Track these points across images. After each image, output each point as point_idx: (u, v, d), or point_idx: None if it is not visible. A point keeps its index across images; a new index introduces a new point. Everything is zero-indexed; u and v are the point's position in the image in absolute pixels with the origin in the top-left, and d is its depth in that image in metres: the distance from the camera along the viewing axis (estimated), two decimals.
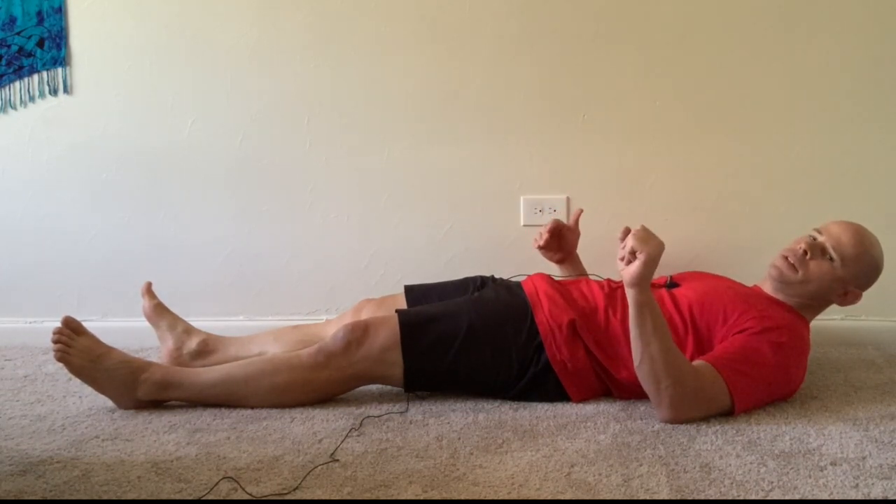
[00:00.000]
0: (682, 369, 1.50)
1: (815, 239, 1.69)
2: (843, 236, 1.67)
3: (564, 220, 2.08)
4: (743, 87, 2.11)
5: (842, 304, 1.70)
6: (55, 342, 1.62)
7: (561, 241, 1.97)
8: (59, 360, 1.62)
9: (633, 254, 1.47)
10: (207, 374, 1.67)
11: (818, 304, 1.71)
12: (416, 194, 2.20)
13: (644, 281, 1.47)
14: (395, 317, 1.67)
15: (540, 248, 1.96)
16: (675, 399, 1.49)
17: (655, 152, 2.15)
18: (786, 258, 1.69)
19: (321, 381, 1.64)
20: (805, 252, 1.67)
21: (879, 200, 2.12)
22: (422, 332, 1.65)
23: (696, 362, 1.54)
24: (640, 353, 1.50)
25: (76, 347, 1.63)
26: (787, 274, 1.69)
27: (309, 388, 1.64)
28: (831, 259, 1.66)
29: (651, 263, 1.47)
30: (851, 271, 1.66)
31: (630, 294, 1.49)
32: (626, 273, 1.48)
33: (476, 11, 2.13)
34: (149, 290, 1.95)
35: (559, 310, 1.67)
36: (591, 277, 1.89)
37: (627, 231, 1.51)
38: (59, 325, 1.65)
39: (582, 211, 1.99)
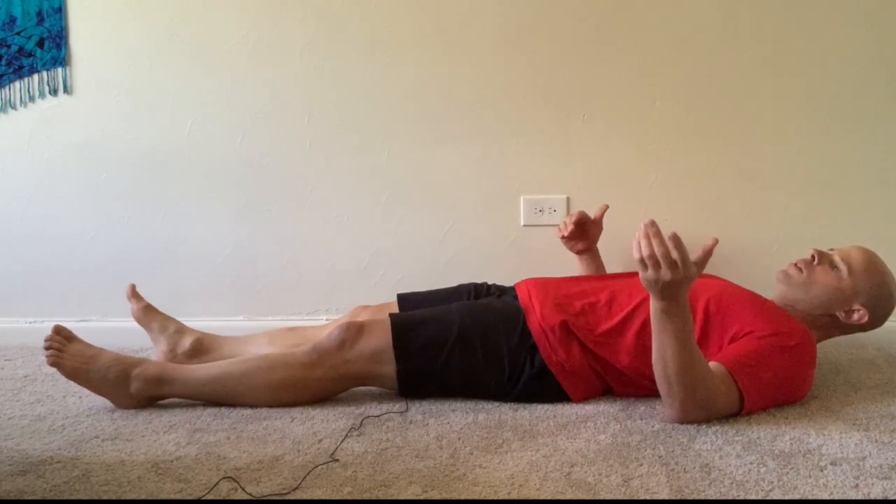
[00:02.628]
0: (697, 378, 1.47)
1: (824, 251, 1.72)
2: (853, 252, 1.70)
3: (564, 220, 2.09)
4: (743, 88, 2.11)
5: (847, 320, 1.68)
6: (47, 348, 1.63)
7: (584, 233, 1.99)
8: (52, 364, 1.63)
9: (672, 266, 1.37)
10: (202, 370, 1.67)
11: (824, 319, 1.70)
12: (416, 194, 2.21)
13: (670, 296, 1.41)
14: (389, 319, 1.68)
15: (563, 237, 1.98)
16: (686, 405, 1.49)
17: (655, 152, 2.15)
18: (794, 264, 1.73)
19: (315, 380, 1.65)
20: (813, 258, 1.71)
21: (879, 200, 2.12)
22: (414, 333, 1.66)
23: (710, 364, 1.53)
24: (655, 354, 1.48)
25: (68, 352, 1.64)
26: (792, 275, 1.71)
27: (303, 387, 1.65)
28: (838, 269, 1.68)
29: (686, 286, 1.40)
30: (857, 285, 1.66)
31: (653, 300, 1.44)
32: (657, 287, 1.40)
33: (476, 11, 2.13)
34: (134, 293, 1.94)
35: (551, 312, 1.67)
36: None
37: (671, 238, 1.40)
38: (49, 334, 1.65)
39: (607, 207, 2.00)
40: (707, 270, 1.89)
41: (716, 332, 1.63)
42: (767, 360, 1.55)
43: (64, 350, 1.64)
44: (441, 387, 1.68)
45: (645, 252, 1.39)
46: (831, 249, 1.73)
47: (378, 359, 1.64)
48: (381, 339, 1.64)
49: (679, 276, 1.38)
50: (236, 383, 1.64)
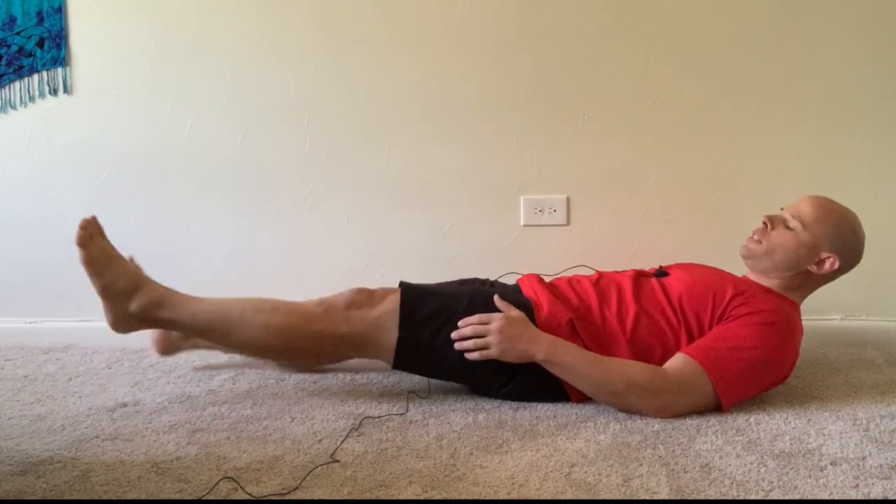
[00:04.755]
0: (628, 371, 1.55)
1: (774, 214, 1.73)
2: (802, 204, 1.70)
3: (564, 221, 2.12)
4: (743, 87, 2.11)
5: (819, 271, 1.67)
6: (83, 227, 1.64)
7: None
8: (80, 243, 1.63)
9: (486, 335, 1.59)
10: (205, 301, 1.67)
11: (798, 278, 1.69)
12: (416, 194, 2.21)
13: (522, 356, 1.58)
14: (399, 286, 1.69)
15: None
16: (642, 398, 1.54)
17: (655, 152, 2.15)
18: (750, 237, 1.74)
19: (314, 332, 1.64)
20: (765, 224, 1.71)
21: (879, 199, 2.12)
22: (422, 302, 1.65)
23: (675, 357, 1.58)
24: (587, 390, 1.59)
25: (96, 242, 1.65)
26: (752, 248, 1.72)
27: (299, 336, 1.64)
28: (792, 227, 1.68)
29: (507, 343, 1.58)
30: (817, 233, 1.66)
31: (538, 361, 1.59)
32: (515, 355, 1.59)
33: (476, 11, 2.13)
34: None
35: (558, 309, 1.67)
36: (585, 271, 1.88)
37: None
38: (88, 217, 1.67)
39: None
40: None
41: (696, 323, 1.65)
42: (741, 341, 1.57)
43: (94, 238, 1.65)
44: (437, 364, 1.66)
45: (468, 345, 1.60)
46: (781, 209, 1.73)
47: (381, 324, 1.63)
48: (388, 304, 1.64)
49: (497, 335, 1.58)
50: (235, 318, 1.63)
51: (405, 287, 1.68)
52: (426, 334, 1.64)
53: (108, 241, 1.69)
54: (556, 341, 1.59)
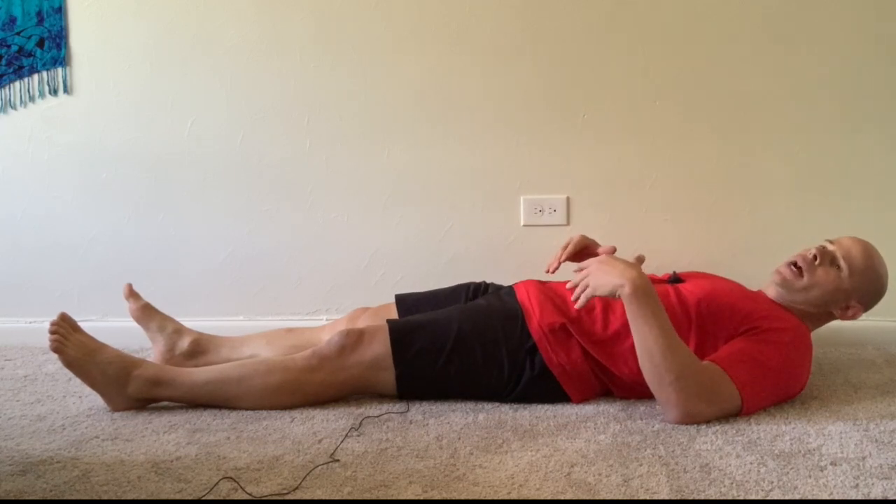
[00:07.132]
0: (686, 363, 1.48)
1: (825, 248, 1.70)
2: (853, 249, 1.68)
3: (564, 221, 2.12)
4: (743, 88, 2.11)
5: (842, 317, 1.70)
6: (52, 332, 1.63)
7: (579, 259, 1.83)
8: (55, 350, 1.62)
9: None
10: (200, 373, 1.67)
11: (820, 314, 1.71)
12: (416, 194, 2.21)
13: (612, 287, 1.50)
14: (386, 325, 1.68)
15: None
16: (682, 395, 1.48)
17: (655, 152, 2.15)
18: (792, 265, 1.70)
19: (314, 384, 1.64)
20: (815, 257, 1.68)
21: (879, 201, 2.12)
22: (412, 337, 1.66)
23: (703, 363, 1.54)
24: (639, 349, 1.50)
25: (71, 341, 1.63)
26: (790, 279, 1.69)
27: (301, 391, 1.64)
28: (839, 268, 1.67)
29: (598, 273, 1.53)
30: (856, 284, 1.66)
31: (623, 298, 1.51)
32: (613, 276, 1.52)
33: (476, 11, 2.13)
34: (132, 292, 1.94)
35: (550, 315, 1.67)
36: None
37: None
38: (56, 318, 1.65)
39: (615, 249, 1.79)
40: (706, 269, 1.90)
41: (710, 332, 1.63)
42: (763, 358, 1.56)
43: (68, 338, 1.63)
44: (441, 390, 1.67)
45: (577, 292, 1.56)
46: (830, 242, 1.71)
47: (377, 365, 1.65)
48: (380, 345, 1.65)
49: (591, 268, 1.54)
50: (234, 385, 1.64)
51: (392, 325, 1.67)
52: (423, 367, 1.65)
53: (83, 334, 1.67)
54: (649, 285, 1.50)
